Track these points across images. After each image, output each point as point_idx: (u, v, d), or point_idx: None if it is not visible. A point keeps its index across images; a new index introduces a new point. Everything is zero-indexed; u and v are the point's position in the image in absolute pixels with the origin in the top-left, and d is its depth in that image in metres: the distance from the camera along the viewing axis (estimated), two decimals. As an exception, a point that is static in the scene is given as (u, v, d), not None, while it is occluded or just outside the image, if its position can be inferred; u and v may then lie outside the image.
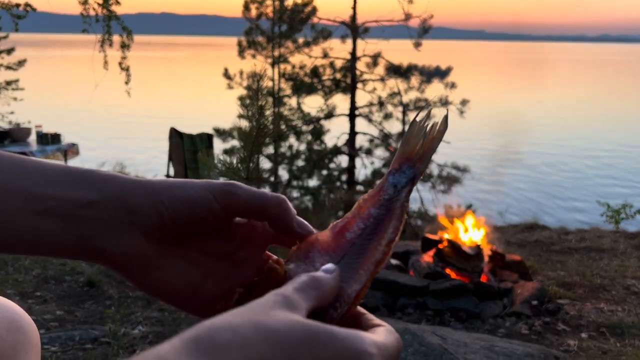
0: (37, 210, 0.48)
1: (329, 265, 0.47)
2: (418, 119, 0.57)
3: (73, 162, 9.51)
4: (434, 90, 10.50)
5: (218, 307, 0.50)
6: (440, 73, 10.65)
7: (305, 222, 0.53)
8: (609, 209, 8.81)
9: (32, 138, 8.80)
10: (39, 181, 0.49)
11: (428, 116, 0.57)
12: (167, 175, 5.74)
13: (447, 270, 4.85)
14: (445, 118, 0.57)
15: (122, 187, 0.49)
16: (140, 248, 0.49)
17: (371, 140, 10.83)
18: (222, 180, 0.52)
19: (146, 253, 0.49)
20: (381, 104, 10.62)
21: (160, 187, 0.49)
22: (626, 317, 4.55)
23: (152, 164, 13.54)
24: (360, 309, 0.49)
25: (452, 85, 10.47)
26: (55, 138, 8.53)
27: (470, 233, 5.26)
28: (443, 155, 10.66)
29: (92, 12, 5.28)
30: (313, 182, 10.28)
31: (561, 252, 6.45)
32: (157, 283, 0.51)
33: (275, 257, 0.56)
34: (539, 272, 5.61)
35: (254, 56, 10.36)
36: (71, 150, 8.70)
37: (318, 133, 10.34)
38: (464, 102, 10.34)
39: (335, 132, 10.77)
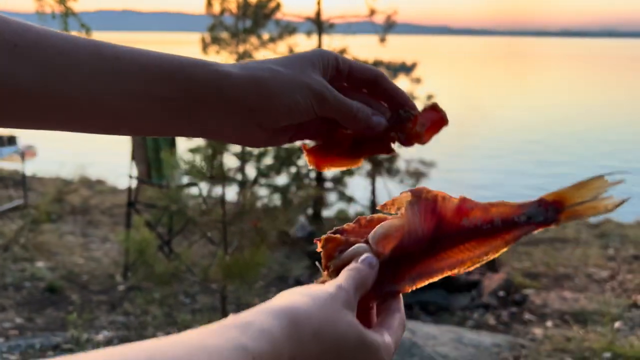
0: (151, 76, 0.57)
1: (369, 259, 0.54)
2: (607, 179, 0.53)
3: (30, 164, 9.22)
4: (400, 85, 10.56)
5: (334, 152, 0.65)
6: (405, 68, 10.72)
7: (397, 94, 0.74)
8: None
9: (-12, 140, 8.49)
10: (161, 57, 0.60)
11: (606, 184, 0.53)
12: (131, 177, 5.61)
13: (416, 264, 4.88)
14: (621, 202, 0.53)
15: (244, 90, 0.58)
16: (255, 134, 0.61)
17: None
18: (315, 79, 0.60)
19: (258, 137, 0.62)
20: (347, 99, 10.62)
21: (272, 93, 0.58)
22: (588, 305, 4.67)
23: (113, 164, 13.27)
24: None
25: (418, 81, 10.56)
26: (11, 140, 8.25)
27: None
28: (410, 151, 10.74)
29: (48, 10, 5.08)
30: (282, 180, 10.23)
31: (527, 243, 6.57)
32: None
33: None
34: (505, 263, 5.70)
35: (218, 52, 10.23)
36: (28, 152, 8.43)
37: (285, 130, 10.30)
38: (429, 97, 10.44)
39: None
